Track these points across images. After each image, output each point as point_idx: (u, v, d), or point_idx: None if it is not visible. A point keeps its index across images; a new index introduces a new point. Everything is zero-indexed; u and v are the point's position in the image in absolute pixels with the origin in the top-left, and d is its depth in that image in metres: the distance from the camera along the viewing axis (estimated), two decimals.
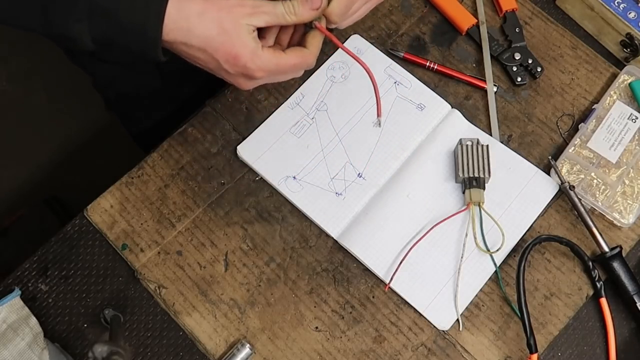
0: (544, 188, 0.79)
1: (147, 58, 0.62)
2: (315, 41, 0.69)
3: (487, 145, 0.77)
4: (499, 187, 0.78)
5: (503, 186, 0.78)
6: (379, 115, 0.79)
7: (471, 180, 0.76)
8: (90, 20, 0.58)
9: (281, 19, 0.64)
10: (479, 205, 0.75)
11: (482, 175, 0.76)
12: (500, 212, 0.77)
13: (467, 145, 0.77)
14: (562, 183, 0.77)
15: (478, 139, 0.78)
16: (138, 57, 0.63)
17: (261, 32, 0.67)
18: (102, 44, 0.61)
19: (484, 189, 0.76)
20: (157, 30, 0.59)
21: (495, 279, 0.75)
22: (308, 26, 0.69)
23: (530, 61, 0.85)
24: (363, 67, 0.76)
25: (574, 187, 0.76)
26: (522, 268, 0.71)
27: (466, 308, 0.74)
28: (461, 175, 0.76)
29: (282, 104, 0.82)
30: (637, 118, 0.81)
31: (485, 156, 0.77)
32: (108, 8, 0.58)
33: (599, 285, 0.74)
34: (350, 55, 0.74)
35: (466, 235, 0.75)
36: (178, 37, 0.61)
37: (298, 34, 0.71)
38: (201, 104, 0.83)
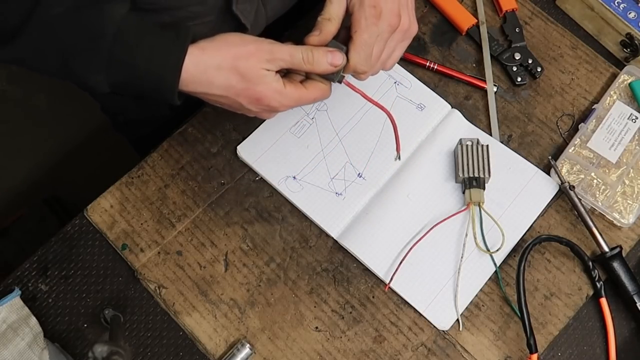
0: (544, 188, 0.79)
1: (162, 103, 0.64)
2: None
3: (487, 145, 0.77)
4: (499, 187, 0.78)
5: (503, 186, 0.78)
6: (398, 150, 0.79)
7: (471, 180, 0.76)
8: (108, 72, 0.60)
9: (297, 66, 0.65)
10: (479, 205, 0.75)
11: (482, 175, 0.76)
12: (500, 212, 0.77)
13: (467, 145, 0.77)
14: (562, 183, 0.77)
15: (478, 139, 0.79)
16: (154, 102, 0.64)
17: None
18: (119, 91, 0.63)
19: (484, 189, 0.76)
20: (173, 83, 0.61)
21: (495, 279, 0.75)
22: (335, 81, 0.69)
23: (530, 61, 0.85)
24: (385, 112, 0.75)
25: (574, 187, 0.76)
26: (522, 268, 0.71)
27: (466, 308, 0.74)
28: (461, 175, 0.76)
29: None
30: (637, 118, 0.81)
31: (485, 156, 0.77)
32: (126, 62, 0.59)
33: (599, 285, 0.74)
34: (376, 104, 0.74)
35: (466, 235, 0.75)
36: (198, 88, 0.63)
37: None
38: (201, 104, 0.83)
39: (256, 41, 0.64)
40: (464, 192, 0.77)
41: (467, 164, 0.77)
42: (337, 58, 0.65)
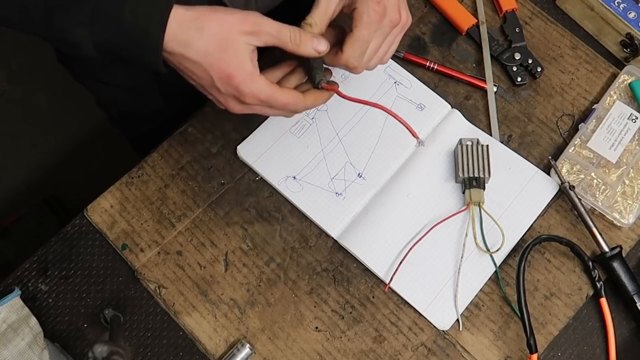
0: (544, 188, 0.79)
1: (148, 66, 0.62)
2: (314, 95, 0.68)
3: (487, 145, 0.77)
4: (499, 187, 0.78)
5: (503, 186, 0.78)
6: (415, 136, 0.79)
7: (471, 180, 0.76)
8: (92, 25, 0.58)
9: (282, 44, 0.63)
10: (479, 205, 0.75)
11: (482, 175, 0.76)
12: (500, 212, 0.77)
13: (467, 145, 0.77)
14: (562, 183, 0.77)
15: (478, 139, 0.78)
16: (139, 65, 0.62)
17: (271, 65, 0.67)
18: (104, 50, 0.61)
19: (484, 189, 0.76)
20: (158, 37, 0.59)
21: (495, 279, 0.75)
22: (315, 85, 0.68)
23: (530, 61, 0.85)
24: (380, 107, 0.75)
25: (574, 187, 0.76)
26: (522, 268, 0.71)
27: (466, 308, 0.74)
28: (461, 175, 0.76)
29: None
30: (637, 118, 0.81)
31: (485, 156, 0.77)
32: (111, 14, 0.58)
33: (599, 285, 0.74)
34: (365, 103, 0.73)
35: (466, 235, 0.75)
36: (176, 48, 0.60)
37: (302, 88, 0.70)
38: (201, 104, 0.83)
39: (244, 12, 0.62)
40: (463, 192, 0.77)
41: (467, 164, 0.76)
42: (322, 44, 0.64)
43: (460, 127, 0.81)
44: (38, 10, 0.58)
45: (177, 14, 0.59)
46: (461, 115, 0.82)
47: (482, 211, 0.75)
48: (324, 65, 0.69)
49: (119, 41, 0.60)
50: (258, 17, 0.62)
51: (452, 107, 0.83)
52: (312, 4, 0.88)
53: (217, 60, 0.61)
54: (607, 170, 0.79)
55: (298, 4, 0.88)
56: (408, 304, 0.74)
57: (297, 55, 0.65)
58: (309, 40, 0.64)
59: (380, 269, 0.74)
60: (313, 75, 0.68)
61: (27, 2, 0.58)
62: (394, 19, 0.68)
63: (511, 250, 0.76)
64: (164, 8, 0.59)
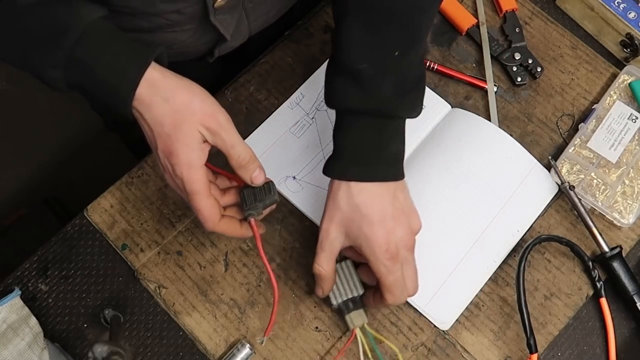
0: (544, 188, 0.79)
1: (115, 115, 0.62)
2: (231, 224, 0.66)
3: (350, 260, 0.71)
4: (499, 177, 0.77)
5: (503, 176, 0.78)
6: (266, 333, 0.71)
7: (347, 303, 0.70)
8: (66, 69, 0.58)
9: (229, 156, 0.63)
10: (364, 326, 0.70)
11: (356, 294, 0.70)
12: (499, 205, 0.76)
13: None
14: (562, 183, 0.77)
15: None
16: (108, 111, 0.63)
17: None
18: (76, 89, 0.61)
19: (363, 307, 0.70)
20: (127, 96, 0.59)
21: (495, 278, 0.75)
22: (244, 216, 0.66)
23: (530, 61, 0.85)
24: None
25: (574, 187, 0.76)
26: (522, 268, 0.71)
27: (466, 308, 0.74)
28: (335, 302, 0.70)
29: (282, 104, 0.82)
30: (637, 118, 0.81)
31: (352, 271, 0.70)
32: (86, 63, 0.58)
33: (599, 285, 0.74)
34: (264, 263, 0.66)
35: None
36: (137, 106, 0.60)
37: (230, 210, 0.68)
38: None
39: (215, 104, 0.62)
40: (344, 319, 0.70)
41: (339, 288, 0.70)
42: (259, 177, 0.65)
43: (461, 121, 0.81)
44: (14, 45, 0.59)
45: (151, 76, 0.59)
46: (462, 110, 0.82)
47: (370, 331, 0.70)
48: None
49: (90, 88, 0.60)
50: (225, 119, 0.62)
51: (452, 107, 0.83)
52: (305, 10, 0.88)
53: (166, 134, 0.60)
54: (607, 170, 0.79)
55: (289, 23, 0.88)
56: (408, 304, 0.74)
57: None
58: (251, 168, 0.64)
59: None
60: (248, 205, 0.66)
61: (5, 35, 0.59)
62: (409, 246, 0.66)
63: (511, 250, 0.76)
64: (139, 67, 0.59)
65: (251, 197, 0.66)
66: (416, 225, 0.67)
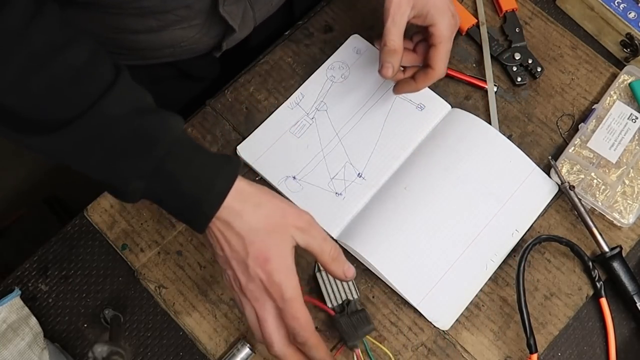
0: (543, 188, 0.79)
1: (188, 225, 0.60)
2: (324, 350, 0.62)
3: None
4: (498, 180, 0.78)
5: (502, 179, 0.78)
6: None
7: (343, 307, 0.71)
8: (150, 180, 0.57)
9: (320, 252, 0.61)
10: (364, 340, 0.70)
11: (352, 298, 0.72)
12: (498, 206, 0.77)
13: (325, 271, 0.73)
14: (562, 183, 0.77)
15: None
16: (180, 220, 0.61)
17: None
18: (150, 199, 0.59)
19: (363, 307, 0.71)
20: (213, 208, 0.57)
21: (495, 278, 0.75)
22: (349, 348, 0.68)
23: (530, 61, 0.85)
24: None
25: (574, 187, 0.76)
26: (522, 268, 0.71)
27: (466, 308, 0.74)
28: (330, 305, 0.71)
29: (282, 104, 0.82)
30: (637, 118, 0.81)
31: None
32: (173, 175, 0.57)
33: (599, 285, 0.74)
34: None
35: None
36: (227, 216, 0.58)
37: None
38: (201, 104, 0.83)
39: (298, 208, 0.62)
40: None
41: (334, 291, 0.72)
42: (351, 270, 0.63)
43: (461, 121, 0.81)
44: (97, 155, 0.56)
45: (239, 185, 0.58)
46: (462, 110, 0.82)
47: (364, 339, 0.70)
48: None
49: (170, 199, 0.58)
50: (310, 217, 0.61)
51: (452, 107, 0.83)
52: (305, 10, 0.88)
53: (261, 240, 0.58)
54: (607, 170, 0.79)
55: (292, 13, 0.88)
56: (408, 304, 0.74)
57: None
58: (342, 260, 0.62)
59: (381, 269, 0.74)
60: (349, 336, 0.68)
61: (89, 144, 0.56)
62: (458, 22, 0.74)
63: (511, 250, 0.76)
64: (229, 180, 0.58)
65: (351, 328, 0.68)
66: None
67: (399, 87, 0.78)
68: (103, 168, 0.57)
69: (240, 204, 0.58)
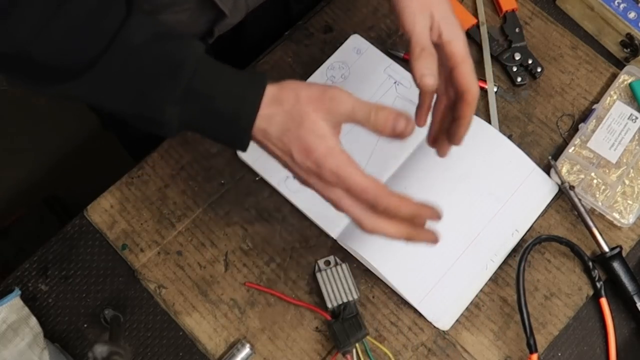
0: (543, 188, 0.79)
1: (232, 145, 0.60)
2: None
3: (345, 265, 0.74)
4: (498, 180, 0.78)
5: (502, 179, 0.78)
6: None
7: (340, 309, 0.71)
8: (183, 104, 0.56)
9: (359, 120, 0.59)
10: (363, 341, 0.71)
11: (351, 299, 0.71)
12: (498, 207, 0.76)
13: (325, 271, 0.73)
14: (562, 183, 0.77)
15: (335, 258, 0.75)
16: (224, 143, 0.61)
17: None
18: (190, 125, 0.59)
19: (357, 312, 0.71)
20: (250, 119, 0.57)
21: (495, 278, 0.75)
22: (342, 354, 0.69)
23: (530, 61, 0.85)
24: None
25: (574, 187, 0.76)
26: (522, 268, 0.71)
27: (466, 308, 0.74)
28: (330, 306, 0.71)
29: None
30: (637, 118, 0.81)
31: (348, 275, 0.73)
32: (204, 94, 0.56)
33: (599, 285, 0.74)
34: None
35: None
36: (261, 123, 0.57)
37: None
38: None
39: (322, 87, 0.59)
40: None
41: (334, 291, 0.72)
42: (401, 123, 0.58)
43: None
44: (129, 88, 0.57)
45: (271, 92, 0.57)
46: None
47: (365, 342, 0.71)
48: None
49: (208, 120, 0.58)
50: (335, 92, 0.58)
51: None
52: (302, 5, 0.88)
53: (296, 135, 0.57)
54: (607, 170, 0.79)
55: (289, 23, 0.88)
56: (408, 304, 0.74)
57: None
58: (388, 118, 0.58)
59: (381, 269, 0.74)
60: (341, 342, 0.69)
61: (119, 79, 0.56)
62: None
63: (511, 251, 0.76)
64: (259, 88, 0.57)
65: (343, 334, 0.69)
66: None
67: (456, 139, 0.67)
68: (136, 101, 0.57)
69: (267, 108, 0.57)
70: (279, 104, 0.57)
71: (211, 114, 0.57)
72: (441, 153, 0.68)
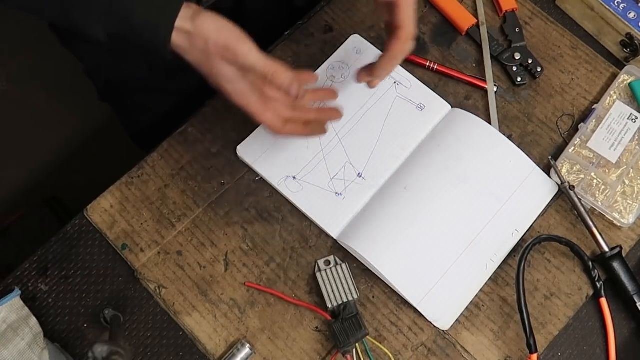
0: (543, 188, 0.79)
1: (155, 54, 0.65)
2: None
3: (346, 264, 0.74)
4: (497, 180, 0.78)
5: (502, 179, 0.78)
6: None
7: (340, 309, 0.71)
8: (107, 18, 0.62)
9: (261, 77, 0.66)
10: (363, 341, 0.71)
11: (350, 298, 0.72)
12: (498, 206, 0.77)
13: (325, 271, 0.74)
14: (562, 183, 0.77)
15: (335, 258, 0.75)
16: (147, 52, 0.66)
17: None
18: (115, 38, 0.65)
19: (357, 312, 0.72)
20: (168, 29, 0.62)
21: (495, 278, 0.75)
22: (342, 354, 0.70)
23: (530, 61, 0.85)
24: None
25: (574, 187, 0.76)
26: (522, 268, 0.71)
27: (466, 308, 0.74)
28: (330, 306, 0.72)
29: None
30: (637, 118, 0.81)
31: (348, 275, 0.73)
32: (125, 8, 0.62)
33: (599, 285, 0.74)
34: None
35: None
36: (183, 24, 0.63)
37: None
38: (198, 103, 0.83)
39: (230, 38, 0.65)
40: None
41: (333, 291, 0.72)
42: (293, 88, 0.66)
43: (461, 121, 0.81)
44: (54, 5, 0.63)
45: (188, 7, 0.63)
46: (462, 110, 0.82)
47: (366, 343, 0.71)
48: None
49: (130, 31, 0.63)
50: (239, 49, 0.64)
51: (452, 107, 0.83)
52: (300, 21, 0.88)
53: (217, 39, 0.63)
54: (607, 170, 0.79)
55: (289, 23, 0.88)
56: (408, 304, 0.74)
57: None
58: (284, 78, 0.65)
59: (381, 269, 0.74)
60: (342, 342, 0.70)
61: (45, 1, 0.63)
62: None
63: (511, 250, 0.76)
64: (176, 6, 0.62)
65: (343, 334, 0.70)
66: None
67: (377, 71, 0.72)
68: (61, 16, 0.64)
69: (192, 16, 0.63)
70: (191, 45, 0.64)
71: (132, 26, 0.62)
72: (371, 85, 0.75)
